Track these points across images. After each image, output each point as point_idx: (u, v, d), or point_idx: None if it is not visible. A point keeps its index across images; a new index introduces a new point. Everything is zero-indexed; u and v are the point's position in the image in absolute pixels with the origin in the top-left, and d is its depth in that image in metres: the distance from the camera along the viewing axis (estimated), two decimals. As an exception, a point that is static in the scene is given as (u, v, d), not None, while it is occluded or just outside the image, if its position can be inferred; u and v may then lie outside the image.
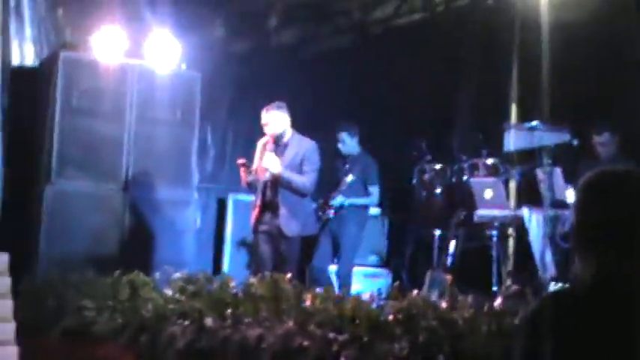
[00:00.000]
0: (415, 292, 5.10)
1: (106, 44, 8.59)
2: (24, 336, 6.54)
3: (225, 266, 9.56)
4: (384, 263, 9.76)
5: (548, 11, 9.63)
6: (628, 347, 2.18)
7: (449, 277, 8.13)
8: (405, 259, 9.64)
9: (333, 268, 8.72)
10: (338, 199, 8.61)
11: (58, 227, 8.26)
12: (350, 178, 8.56)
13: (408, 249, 9.79)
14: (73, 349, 6.72)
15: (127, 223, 8.62)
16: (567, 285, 2.58)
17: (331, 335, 4.96)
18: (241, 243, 9.50)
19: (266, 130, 7.65)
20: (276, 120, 7.59)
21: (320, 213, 8.46)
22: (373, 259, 9.77)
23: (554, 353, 2.21)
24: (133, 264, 7.25)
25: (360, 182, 8.82)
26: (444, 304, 4.83)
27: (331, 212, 8.61)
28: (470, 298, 4.73)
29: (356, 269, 9.23)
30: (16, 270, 7.22)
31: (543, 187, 7.84)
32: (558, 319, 2.24)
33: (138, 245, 8.52)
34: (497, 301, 4.74)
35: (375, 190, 8.97)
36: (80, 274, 7.38)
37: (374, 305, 5.12)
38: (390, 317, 4.82)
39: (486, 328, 4.42)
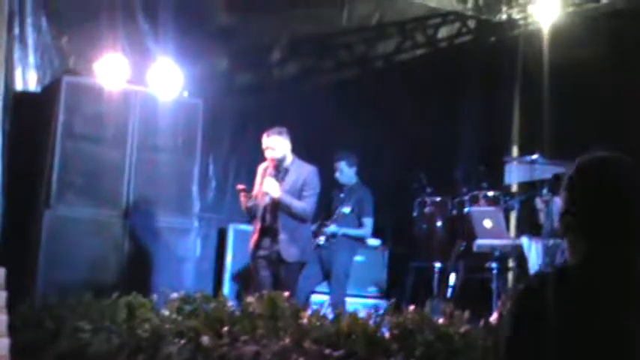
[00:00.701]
0: (412, 307, 5.07)
1: (109, 71, 8.65)
2: (21, 358, 6.51)
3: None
4: (383, 294, 9.71)
5: (549, 48, 9.73)
6: (614, 325, 2.17)
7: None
8: (405, 290, 9.59)
9: (324, 299, 8.63)
10: (331, 228, 8.62)
11: (57, 252, 8.24)
12: (346, 209, 8.58)
13: (408, 281, 9.75)
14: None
15: (127, 250, 8.60)
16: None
17: (327, 351, 4.92)
18: (236, 276, 9.47)
19: (267, 154, 7.67)
20: (276, 145, 7.61)
21: (312, 239, 8.45)
22: (373, 290, 9.72)
23: (540, 332, 2.20)
24: (132, 290, 7.22)
25: (355, 213, 8.82)
26: (440, 320, 4.79)
27: (321, 239, 8.61)
28: (466, 314, 4.69)
29: (356, 300, 9.19)
30: (15, 293, 7.22)
31: (542, 217, 7.85)
32: (545, 297, 2.23)
33: (137, 272, 8.49)
34: (493, 317, 4.72)
35: (368, 222, 8.98)
36: (78, 297, 7.35)
37: (371, 322, 5.08)
38: (387, 333, 4.78)
39: (482, 342, 4.39)
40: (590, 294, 2.21)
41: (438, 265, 9.45)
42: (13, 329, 6.69)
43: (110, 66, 8.69)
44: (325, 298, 8.65)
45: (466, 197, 9.35)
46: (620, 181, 2.33)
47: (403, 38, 11.53)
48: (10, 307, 7.01)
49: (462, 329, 4.45)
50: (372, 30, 11.34)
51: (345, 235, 8.76)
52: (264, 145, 7.67)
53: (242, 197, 7.73)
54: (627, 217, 2.29)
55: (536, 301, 2.24)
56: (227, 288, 9.58)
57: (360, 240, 9.06)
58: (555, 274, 2.35)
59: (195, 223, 9.27)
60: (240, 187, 7.82)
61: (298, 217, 7.62)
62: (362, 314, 5.29)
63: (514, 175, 9.75)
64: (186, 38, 9.58)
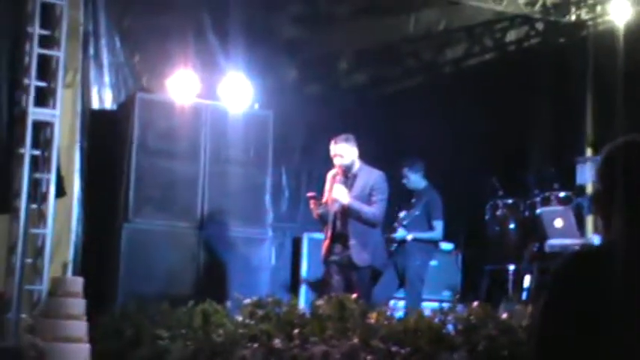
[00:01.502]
0: (475, 303, 5.12)
1: (181, 87, 8.89)
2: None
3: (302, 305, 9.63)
4: (459, 299, 9.71)
5: (623, 49, 9.65)
6: None
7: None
8: (480, 293, 9.58)
9: (401, 304, 8.69)
10: (399, 233, 8.65)
11: (135, 263, 8.49)
12: (404, 213, 8.62)
13: (483, 284, 9.74)
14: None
15: (202, 261, 8.80)
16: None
17: (394, 349, 5.00)
18: (311, 283, 9.57)
19: (335, 161, 7.78)
20: (344, 151, 7.72)
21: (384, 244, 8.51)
22: (447, 294, 9.73)
23: (578, 305, 2.24)
24: (208, 299, 7.38)
25: (424, 216, 8.84)
26: (504, 315, 4.83)
27: (393, 245, 8.67)
28: (529, 308, 4.73)
29: (431, 304, 9.21)
30: (96, 304, 7.47)
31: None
32: (582, 272, 2.28)
33: (213, 282, 8.68)
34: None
35: (438, 225, 8.97)
36: (156, 306, 7.57)
37: (436, 319, 5.14)
38: (451, 328, 4.84)
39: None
40: (624, 268, 2.25)
41: (511, 267, 9.41)
42: (95, 338, 6.92)
43: (181, 82, 8.94)
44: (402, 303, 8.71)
45: (538, 199, 9.31)
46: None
47: (471, 43, 11.56)
48: (92, 317, 7.25)
49: (524, 322, 4.48)
50: (440, 36, 11.39)
51: (416, 240, 8.79)
52: (332, 153, 7.80)
53: (312, 205, 7.85)
54: None
55: (574, 273, 2.29)
56: (303, 296, 9.70)
57: (433, 243, 9.08)
58: (592, 252, 2.40)
59: (270, 233, 9.42)
60: (310, 194, 7.97)
61: (368, 222, 7.72)
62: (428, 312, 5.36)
63: (586, 175, 9.68)
64: (255, 52, 9.78)
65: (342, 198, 7.63)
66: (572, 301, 2.25)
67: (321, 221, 7.96)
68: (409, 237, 8.68)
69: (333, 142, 7.78)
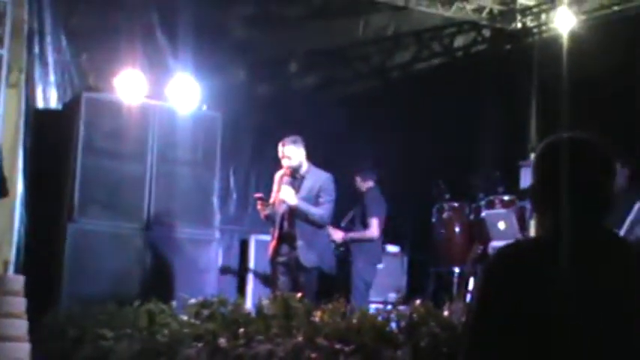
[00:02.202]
0: (418, 301, 5.16)
1: (128, 86, 8.84)
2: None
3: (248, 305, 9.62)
4: (403, 300, 9.76)
5: (566, 57, 9.80)
6: (586, 288, 2.25)
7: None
8: (426, 295, 9.64)
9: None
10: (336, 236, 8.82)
11: (80, 264, 8.41)
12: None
13: (429, 286, 9.82)
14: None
15: (149, 261, 8.76)
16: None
17: (338, 346, 5.02)
18: (258, 285, 9.57)
19: (283, 163, 7.80)
20: (292, 153, 7.74)
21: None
22: (393, 296, 9.77)
23: (514, 296, 2.26)
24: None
25: (359, 218, 8.98)
26: (445, 312, 4.88)
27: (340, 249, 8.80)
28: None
29: (378, 306, 9.26)
30: (39, 305, 7.38)
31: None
32: (518, 265, 2.31)
33: (159, 283, 8.62)
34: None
35: (373, 222, 9.06)
36: (101, 307, 7.50)
37: (380, 317, 5.17)
38: (394, 326, 4.88)
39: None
40: (552, 263, 2.28)
41: (457, 269, 9.50)
42: (37, 339, 6.84)
43: (129, 82, 8.88)
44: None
45: (483, 202, 9.41)
46: (588, 163, 2.42)
47: (419, 48, 11.66)
48: (34, 318, 7.17)
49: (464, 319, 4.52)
50: (389, 40, 11.47)
51: (353, 241, 8.89)
52: (280, 154, 7.81)
53: (259, 205, 7.86)
54: (585, 191, 2.38)
55: (511, 265, 2.32)
56: (250, 297, 9.69)
57: (369, 241, 9.11)
58: (528, 242, 2.44)
59: (217, 234, 9.39)
60: (257, 195, 7.97)
61: (315, 224, 7.74)
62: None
63: (530, 179, 9.78)
64: (204, 53, 9.75)
65: (290, 199, 7.64)
66: (502, 293, 2.27)
67: (269, 222, 7.97)
68: (338, 236, 8.78)
69: (281, 144, 7.80)
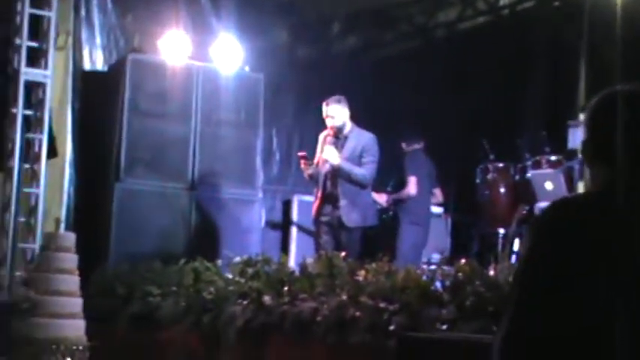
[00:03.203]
0: (463, 260, 5.18)
1: (172, 48, 8.89)
2: (95, 323, 6.78)
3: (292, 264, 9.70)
4: (447, 261, 9.78)
5: (619, 14, 9.63)
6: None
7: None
8: (470, 257, 9.63)
9: None
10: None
11: (127, 224, 8.54)
12: None
13: (473, 248, 9.80)
14: (141, 332, 6.95)
15: (194, 221, 8.85)
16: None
17: (382, 305, 5.06)
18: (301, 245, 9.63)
19: (327, 122, 7.82)
20: (336, 113, 7.76)
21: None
22: (436, 257, 9.79)
23: (562, 255, 2.23)
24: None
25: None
26: (491, 272, 4.90)
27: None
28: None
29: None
30: (88, 262, 7.52)
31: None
32: (567, 221, 2.27)
33: (204, 241, 8.73)
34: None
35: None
36: (147, 265, 7.63)
37: (424, 276, 5.20)
38: (439, 285, 4.91)
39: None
40: (613, 218, 2.24)
41: (501, 231, 9.45)
42: (86, 296, 6.97)
43: (173, 43, 8.94)
44: None
45: (529, 162, 9.32)
46: (632, 110, 2.38)
47: (464, 7, 11.53)
48: (84, 275, 7.30)
49: (511, 278, 4.53)
50: (432, 0, 11.36)
51: (395, 202, 8.97)
52: (324, 114, 7.83)
53: (303, 165, 7.88)
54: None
55: (559, 222, 2.28)
56: (293, 256, 9.77)
57: (410, 202, 9.12)
58: (577, 198, 2.40)
59: (260, 195, 9.46)
60: (301, 154, 7.99)
61: (358, 184, 7.76)
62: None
63: (578, 139, 9.69)
64: (247, 14, 9.76)
65: (333, 159, 7.67)
66: (550, 252, 2.23)
67: (313, 182, 8.00)
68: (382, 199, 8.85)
69: (325, 104, 7.81)
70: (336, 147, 7.75)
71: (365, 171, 7.75)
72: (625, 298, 2.15)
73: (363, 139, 7.84)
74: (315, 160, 7.91)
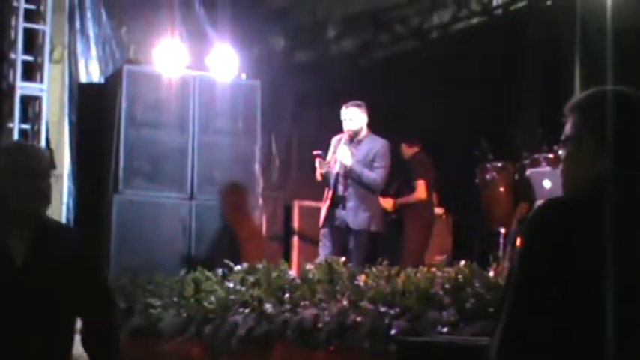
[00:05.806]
0: (462, 262, 5.17)
1: (168, 58, 8.89)
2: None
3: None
4: (449, 262, 9.76)
5: (611, 10, 9.62)
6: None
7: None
8: (472, 257, 9.61)
9: None
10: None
11: (127, 235, 8.54)
12: None
13: (475, 248, 9.78)
14: (142, 346, 6.93)
15: (194, 230, 8.84)
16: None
17: (383, 309, 5.05)
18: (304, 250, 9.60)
19: (345, 125, 7.81)
20: (354, 116, 7.77)
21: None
22: (439, 258, 9.77)
23: (556, 251, 2.22)
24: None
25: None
26: (491, 273, 4.88)
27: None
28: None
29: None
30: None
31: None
32: (560, 219, 2.26)
33: (205, 251, 8.74)
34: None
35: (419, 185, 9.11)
36: (148, 276, 7.61)
37: (424, 280, 5.19)
38: (438, 288, 4.89)
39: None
40: (606, 217, 2.23)
41: (502, 230, 9.44)
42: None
43: (169, 53, 8.94)
44: None
45: (527, 161, 9.31)
46: (623, 110, 2.38)
47: (458, 8, 11.53)
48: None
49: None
50: (426, 1, 11.36)
51: (402, 206, 8.92)
52: (342, 117, 7.82)
53: (317, 164, 7.82)
54: (631, 142, 2.34)
55: (552, 220, 2.26)
56: (295, 263, 9.75)
57: (419, 205, 9.10)
58: (573, 198, 2.37)
59: (260, 202, 9.45)
60: (316, 152, 7.92)
61: (368, 187, 7.75)
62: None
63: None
64: (242, 21, 9.77)
65: (345, 159, 7.65)
66: (549, 246, 2.23)
67: (324, 182, 7.92)
68: (388, 204, 8.82)
69: (344, 107, 7.82)
70: (350, 149, 7.76)
71: (376, 175, 7.75)
72: (624, 297, 2.15)
73: (376, 144, 7.85)
74: (328, 161, 7.89)
